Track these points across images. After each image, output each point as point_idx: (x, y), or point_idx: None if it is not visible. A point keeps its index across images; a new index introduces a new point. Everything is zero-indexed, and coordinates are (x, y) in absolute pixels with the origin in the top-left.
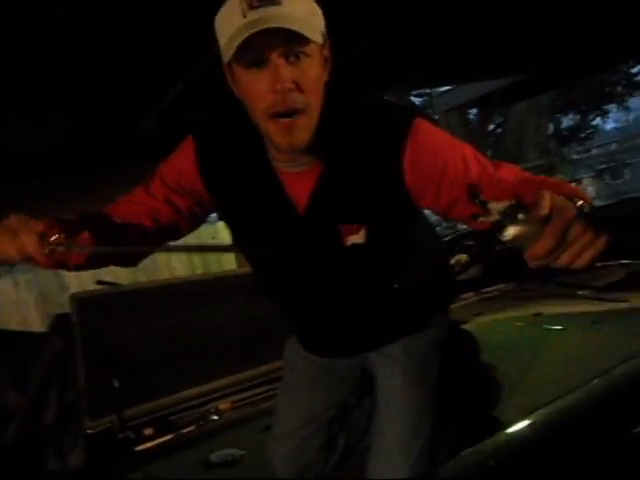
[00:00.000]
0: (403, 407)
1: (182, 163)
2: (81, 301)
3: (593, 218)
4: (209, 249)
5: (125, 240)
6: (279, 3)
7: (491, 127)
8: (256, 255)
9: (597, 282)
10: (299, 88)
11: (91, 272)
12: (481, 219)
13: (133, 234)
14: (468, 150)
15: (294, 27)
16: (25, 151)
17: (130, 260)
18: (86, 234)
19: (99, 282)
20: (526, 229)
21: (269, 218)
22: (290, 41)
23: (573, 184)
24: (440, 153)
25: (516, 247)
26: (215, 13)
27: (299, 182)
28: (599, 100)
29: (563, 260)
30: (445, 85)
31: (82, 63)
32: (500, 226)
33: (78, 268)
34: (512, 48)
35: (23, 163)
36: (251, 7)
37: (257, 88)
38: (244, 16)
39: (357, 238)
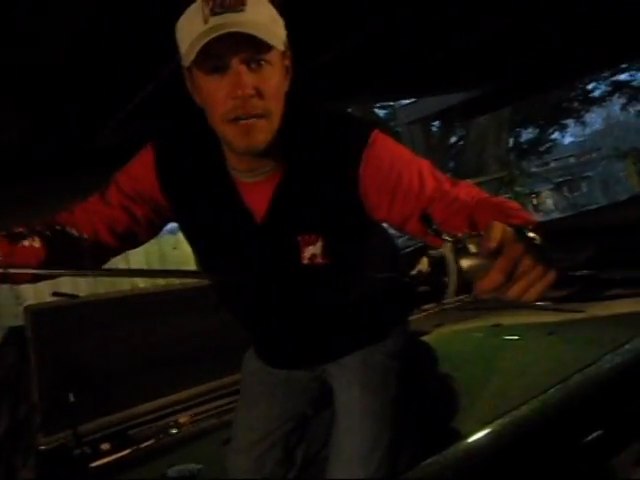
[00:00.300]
0: (361, 418)
1: (140, 171)
2: (35, 313)
3: (543, 251)
4: (168, 274)
5: (80, 250)
6: (242, 10)
7: (453, 140)
8: (215, 271)
9: (554, 293)
10: (259, 94)
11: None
12: (419, 268)
13: (89, 244)
14: (425, 165)
15: (256, 33)
16: None
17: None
18: (37, 244)
19: (55, 293)
20: (476, 262)
21: (227, 228)
22: (252, 47)
23: (534, 197)
24: (395, 166)
25: (466, 279)
26: (173, 26)
27: (257, 192)
28: (557, 115)
29: (512, 293)
30: (408, 98)
31: (42, 71)
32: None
33: (28, 282)
34: (472, 63)
35: None
36: (213, 13)
37: (217, 94)
38: (205, 22)
39: (314, 249)
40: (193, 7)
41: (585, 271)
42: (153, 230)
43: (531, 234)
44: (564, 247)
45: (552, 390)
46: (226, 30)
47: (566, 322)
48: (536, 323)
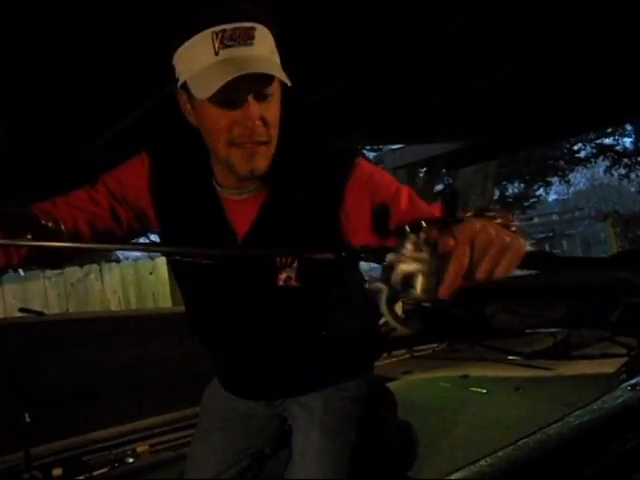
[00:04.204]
0: (318, 461)
1: (131, 177)
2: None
3: (506, 226)
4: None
5: (59, 240)
6: (250, 44)
7: (439, 188)
8: (191, 285)
9: (524, 348)
10: (265, 123)
11: (18, 298)
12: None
13: (67, 236)
14: (405, 189)
15: (271, 71)
16: None
17: (57, 262)
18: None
19: (22, 309)
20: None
21: (208, 242)
22: (263, 83)
23: None
24: (377, 191)
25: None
26: (167, 49)
27: (241, 209)
28: (543, 172)
29: (479, 276)
30: (395, 144)
31: (31, 88)
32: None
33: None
34: (461, 115)
35: None
36: (224, 45)
37: (223, 122)
38: (216, 54)
39: (290, 270)
40: (199, 37)
41: (555, 329)
42: (130, 235)
43: (490, 213)
44: (536, 304)
45: (511, 447)
46: (249, 71)
47: (533, 378)
48: (504, 377)
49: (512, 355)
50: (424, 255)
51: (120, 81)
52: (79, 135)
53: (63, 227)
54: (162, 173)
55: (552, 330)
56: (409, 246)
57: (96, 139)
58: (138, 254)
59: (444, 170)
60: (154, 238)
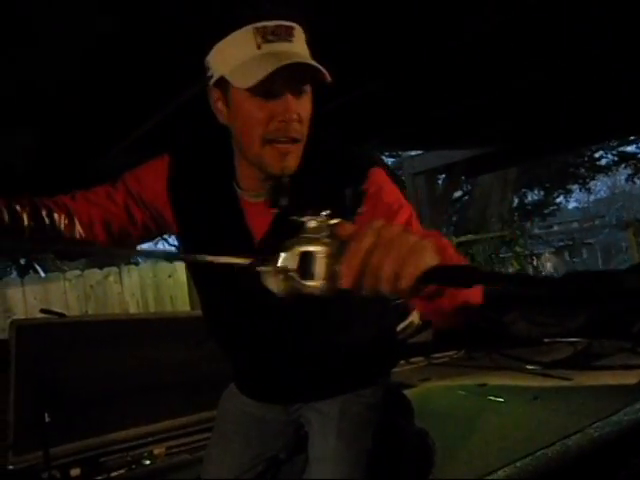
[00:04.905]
0: (334, 468)
1: (151, 178)
2: (21, 328)
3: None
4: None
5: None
6: (290, 41)
7: (458, 194)
8: (207, 284)
9: (543, 357)
10: (300, 120)
11: (39, 299)
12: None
13: (61, 232)
14: (405, 211)
15: (314, 63)
16: None
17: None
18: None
19: (43, 310)
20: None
21: (225, 244)
22: (302, 79)
23: (534, 259)
24: (377, 208)
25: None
26: (192, 53)
27: (258, 212)
28: (563, 180)
29: (386, 271)
30: (414, 150)
31: (55, 92)
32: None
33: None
34: (481, 122)
35: None
36: (266, 40)
37: (261, 114)
38: (258, 47)
39: None
40: (240, 32)
41: (575, 339)
42: (147, 235)
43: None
44: (556, 313)
45: (530, 458)
46: (294, 60)
47: (552, 388)
48: (522, 386)
49: (531, 364)
50: (323, 235)
51: (143, 84)
52: (103, 138)
53: (77, 221)
54: (182, 174)
55: (572, 340)
56: (311, 224)
57: (120, 142)
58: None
59: (463, 177)
60: (167, 239)
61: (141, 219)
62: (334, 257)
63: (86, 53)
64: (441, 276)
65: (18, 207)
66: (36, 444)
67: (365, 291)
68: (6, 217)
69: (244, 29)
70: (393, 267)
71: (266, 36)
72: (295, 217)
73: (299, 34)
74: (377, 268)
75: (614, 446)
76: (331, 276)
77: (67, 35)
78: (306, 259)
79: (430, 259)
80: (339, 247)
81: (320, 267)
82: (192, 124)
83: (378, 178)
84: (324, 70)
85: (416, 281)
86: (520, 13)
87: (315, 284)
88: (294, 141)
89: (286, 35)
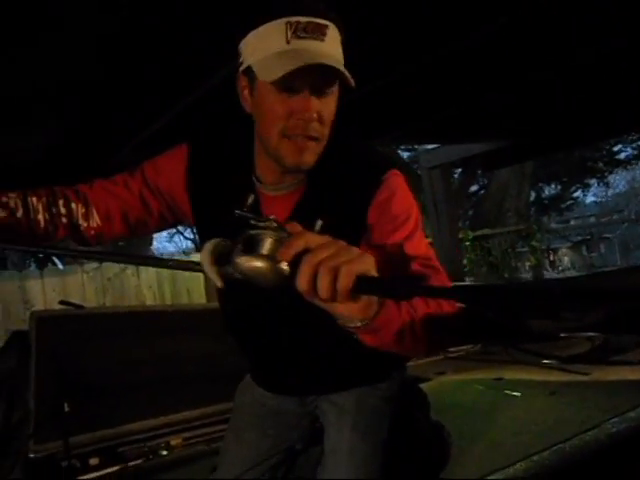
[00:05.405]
0: (350, 460)
1: (169, 166)
2: (41, 320)
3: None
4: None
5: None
6: (322, 39)
7: (474, 188)
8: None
9: (561, 352)
10: (320, 120)
11: (58, 291)
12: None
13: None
14: (408, 225)
15: (340, 67)
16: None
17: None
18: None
19: (62, 302)
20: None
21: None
22: (327, 80)
23: (551, 253)
24: (383, 217)
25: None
26: (205, 52)
27: (276, 205)
28: (581, 174)
29: (326, 267)
30: (431, 143)
31: (72, 89)
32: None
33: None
34: (498, 116)
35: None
36: (297, 36)
37: (281, 109)
38: (287, 42)
39: None
40: (272, 24)
41: (594, 333)
42: (163, 224)
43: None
44: (575, 308)
45: (547, 452)
46: (319, 61)
47: (569, 383)
48: (539, 381)
49: (548, 359)
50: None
51: (156, 81)
52: (119, 134)
53: (95, 210)
54: (201, 164)
55: (589, 334)
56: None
57: (134, 138)
58: (173, 249)
59: (479, 171)
60: (183, 233)
61: (157, 208)
62: (279, 241)
63: (101, 52)
64: (376, 284)
65: (34, 199)
66: (56, 433)
67: (300, 285)
68: (20, 211)
69: (278, 21)
70: (335, 263)
71: (297, 32)
72: (254, 221)
73: (333, 33)
74: (320, 263)
75: (632, 441)
76: (273, 256)
77: (84, 35)
78: (252, 239)
79: (365, 262)
80: (285, 237)
81: (265, 246)
82: (212, 116)
83: (392, 183)
84: (348, 75)
85: (354, 283)
86: (536, 9)
87: (259, 262)
88: (312, 139)
89: (318, 33)
